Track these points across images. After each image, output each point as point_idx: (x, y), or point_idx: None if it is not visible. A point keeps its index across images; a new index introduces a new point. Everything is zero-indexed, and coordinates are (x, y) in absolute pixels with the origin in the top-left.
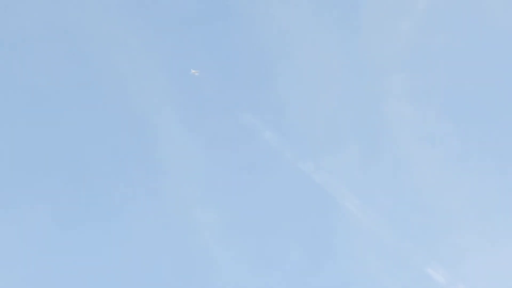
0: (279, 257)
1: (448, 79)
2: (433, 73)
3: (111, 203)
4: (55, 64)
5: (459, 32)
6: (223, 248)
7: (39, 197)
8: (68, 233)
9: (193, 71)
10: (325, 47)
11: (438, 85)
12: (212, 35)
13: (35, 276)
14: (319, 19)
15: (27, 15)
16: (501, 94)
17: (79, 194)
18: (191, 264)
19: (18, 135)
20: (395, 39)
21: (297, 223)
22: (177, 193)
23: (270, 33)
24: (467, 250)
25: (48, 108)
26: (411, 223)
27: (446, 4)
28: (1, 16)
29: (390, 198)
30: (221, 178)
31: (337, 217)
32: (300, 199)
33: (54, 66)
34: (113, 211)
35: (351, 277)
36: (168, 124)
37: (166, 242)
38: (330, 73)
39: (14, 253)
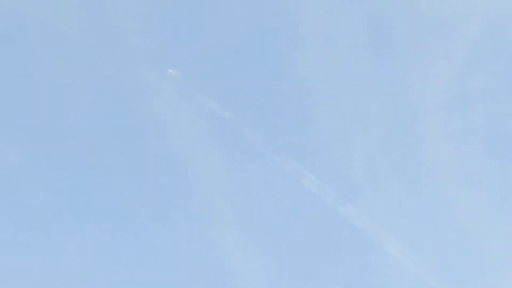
0: None
1: (487, 119)
2: (473, 114)
3: (150, 251)
4: (96, 111)
5: (499, 72)
6: None
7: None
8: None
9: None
10: (364, 89)
11: (478, 125)
12: (251, 79)
13: None
14: (357, 61)
15: (71, 69)
16: None
17: (118, 236)
18: None
19: (56, 182)
20: (435, 80)
21: (338, 267)
22: (216, 239)
23: (309, 76)
24: None
25: (88, 153)
26: (453, 265)
27: (485, 45)
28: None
29: (431, 240)
30: (261, 223)
31: (378, 260)
32: (341, 243)
33: (96, 114)
34: (153, 259)
35: None
36: (207, 169)
37: None
38: (369, 115)
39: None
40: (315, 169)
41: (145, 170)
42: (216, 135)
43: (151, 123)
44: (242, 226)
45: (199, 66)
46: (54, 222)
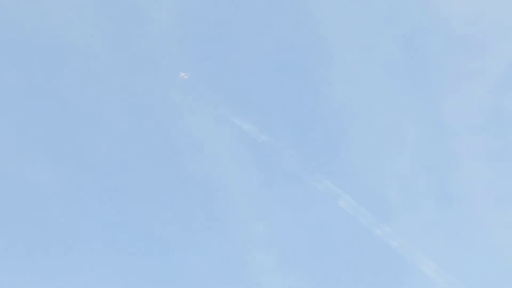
0: None
1: None
2: (507, 134)
3: (186, 271)
4: (131, 132)
5: None
6: None
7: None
8: None
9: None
10: (397, 110)
11: None
12: (285, 100)
13: None
14: (391, 82)
15: (106, 91)
16: None
17: (153, 256)
18: None
19: (90, 202)
20: (469, 100)
21: (373, 287)
22: (251, 259)
23: (343, 96)
24: None
25: (123, 174)
26: (489, 285)
27: None
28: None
29: (467, 260)
30: (296, 243)
31: (413, 280)
32: (376, 263)
33: (131, 135)
34: (188, 279)
35: None
36: (242, 190)
37: None
38: (405, 136)
39: None
40: (349, 189)
41: (181, 191)
42: (251, 156)
43: (187, 144)
44: (277, 246)
45: (235, 89)
46: (87, 242)
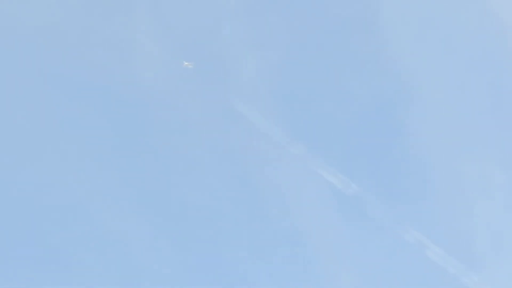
0: None
1: None
2: None
3: None
4: (218, 182)
5: None
6: None
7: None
8: None
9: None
10: (486, 157)
11: None
12: (368, 148)
13: None
14: (477, 126)
15: (194, 143)
16: None
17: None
18: None
19: (176, 250)
20: None
21: None
22: None
23: (428, 144)
24: None
25: (208, 223)
26: None
27: None
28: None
29: None
30: None
31: None
32: None
33: (217, 185)
34: None
35: None
36: (330, 241)
37: None
38: (492, 183)
39: None
40: (437, 238)
41: (267, 242)
42: (338, 208)
43: (273, 196)
44: None
45: (322, 139)
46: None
